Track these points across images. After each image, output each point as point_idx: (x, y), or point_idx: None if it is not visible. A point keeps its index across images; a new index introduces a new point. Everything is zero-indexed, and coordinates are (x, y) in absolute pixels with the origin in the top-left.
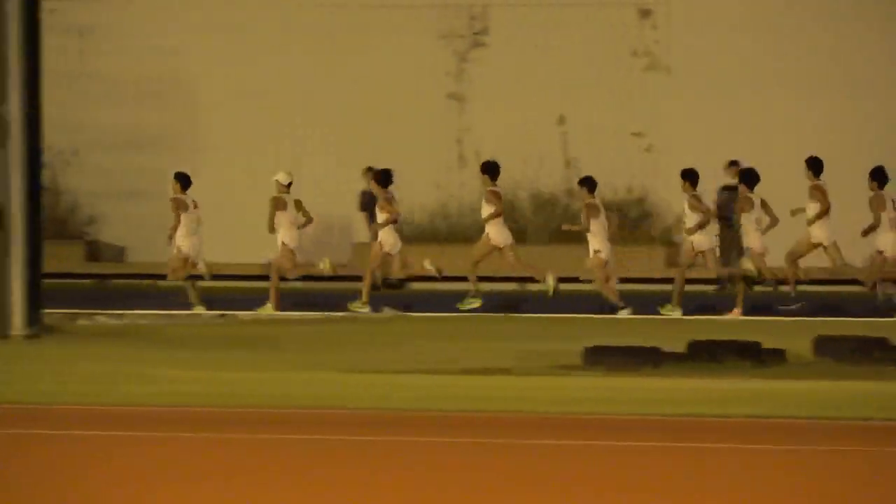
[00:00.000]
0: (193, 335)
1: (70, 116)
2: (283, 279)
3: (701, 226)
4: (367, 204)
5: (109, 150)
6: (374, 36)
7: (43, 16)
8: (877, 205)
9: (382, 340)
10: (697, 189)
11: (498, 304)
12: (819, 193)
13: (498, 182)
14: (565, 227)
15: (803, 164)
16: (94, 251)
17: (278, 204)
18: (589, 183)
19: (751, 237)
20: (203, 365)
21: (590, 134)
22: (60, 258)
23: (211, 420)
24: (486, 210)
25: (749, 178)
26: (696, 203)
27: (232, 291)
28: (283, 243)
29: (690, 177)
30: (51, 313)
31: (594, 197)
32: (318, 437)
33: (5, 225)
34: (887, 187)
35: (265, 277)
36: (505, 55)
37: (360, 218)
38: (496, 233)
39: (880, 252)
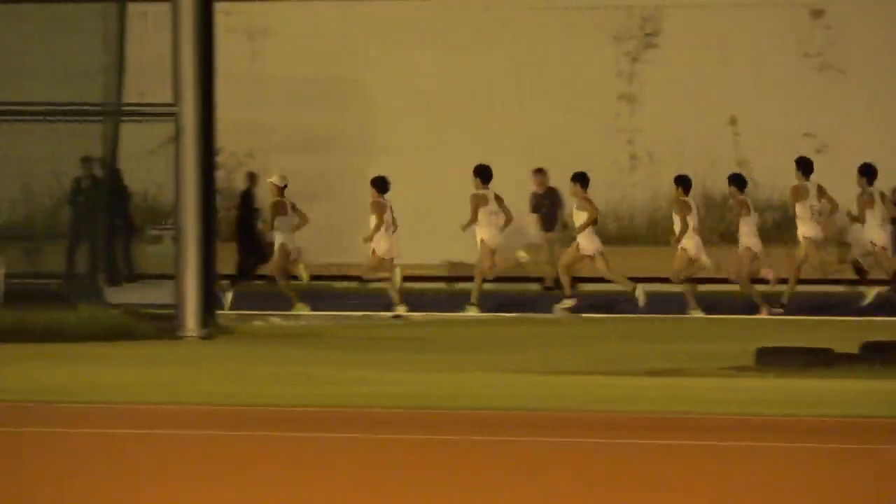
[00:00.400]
0: (367, 337)
1: (244, 118)
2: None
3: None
4: (538, 206)
5: (283, 152)
6: (547, 37)
7: (216, 18)
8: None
9: (554, 342)
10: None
11: (659, 304)
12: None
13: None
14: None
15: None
16: (269, 252)
17: (279, 208)
18: (582, 179)
19: (746, 239)
20: (377, 366)
21: (761, 135)
22: (234, 260)
23: (385, 421)
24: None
25: (738, 181)
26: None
27: (408, 293)
28: (281, 244)
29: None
30: (225, 314)
31: (587, 192)
32: (497, 439)
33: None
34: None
35: (440, 278)
36: (676, 56)
37: (532, 219)
38: (486, 236)
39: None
